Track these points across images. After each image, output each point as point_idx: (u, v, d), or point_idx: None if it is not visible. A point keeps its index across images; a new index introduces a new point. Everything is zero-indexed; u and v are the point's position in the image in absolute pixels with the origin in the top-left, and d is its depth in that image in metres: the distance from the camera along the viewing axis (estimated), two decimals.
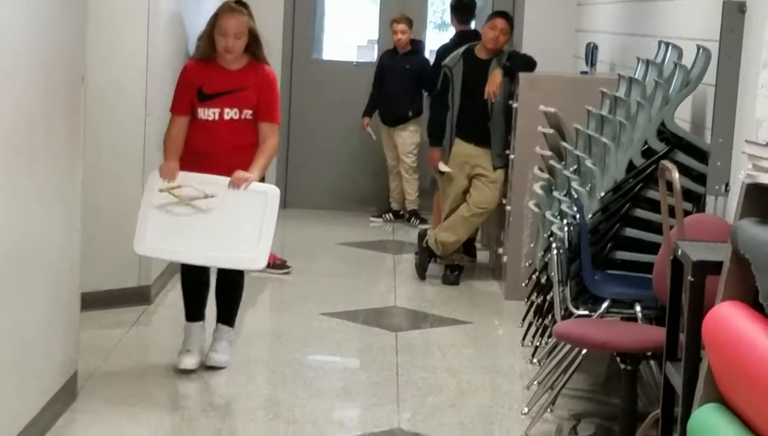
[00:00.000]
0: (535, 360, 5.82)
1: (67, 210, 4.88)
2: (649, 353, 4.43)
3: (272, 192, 5.34)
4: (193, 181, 5.25)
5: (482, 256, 8.31)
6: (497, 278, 7.72)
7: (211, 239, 5.18)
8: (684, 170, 4.88)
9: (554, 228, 5.35)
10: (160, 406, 5.08)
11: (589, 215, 5.11)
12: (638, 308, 4.80)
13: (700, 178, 4.99)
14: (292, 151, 9.99)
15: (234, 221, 5.20)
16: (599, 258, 5.08)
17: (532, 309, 6.14)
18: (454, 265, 7.74)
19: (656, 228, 4.93)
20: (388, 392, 5.40)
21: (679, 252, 3.67)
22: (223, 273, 5.50)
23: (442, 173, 7.65)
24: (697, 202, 5.02)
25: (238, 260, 5.27)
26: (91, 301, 5.84)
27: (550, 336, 5.68)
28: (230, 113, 5.32)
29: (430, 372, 5.84)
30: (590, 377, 5.55)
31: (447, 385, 5.69)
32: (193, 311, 5.51)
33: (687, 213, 4.61)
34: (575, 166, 5.68)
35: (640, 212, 5.11)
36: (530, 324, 6.17)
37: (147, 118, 6.45)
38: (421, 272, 7.76)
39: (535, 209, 6.07)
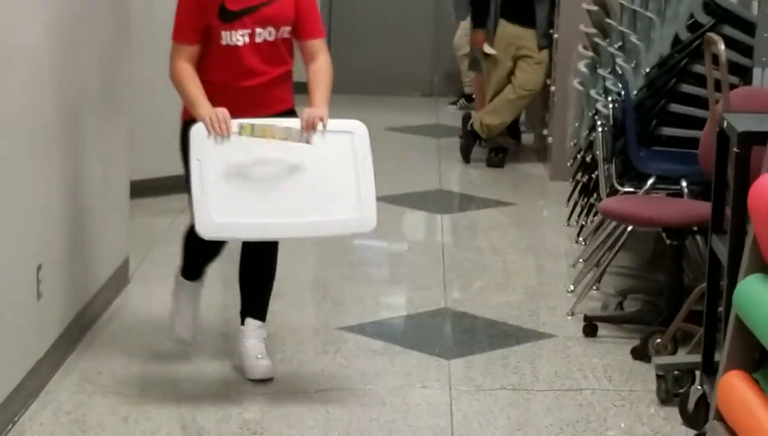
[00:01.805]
0: (580, 239, 5.83)
1: (114, 95, 4.91)
2: (695, 228, 4.43)
3: (359, 130, 4.01)
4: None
5: (527, 138, 8.28)
6: (542, 160, 7.70)
7: (298, 203, 3.91)
8: (731, 43, 4.81)
9: (599, 105, 5.31)
10: (211, 286, 5.16)
11: (635, 92, 5.06)
12: (684, 184, 4.78)
13: (748, 51, 4.91)
14: (335, 30, 9.89)
15: (321, 174, 3.94)
16: (645, 135, 5.04)
17: (578, 189, 6.13)
18: (499, 147, 7.73)
19: (703, 103, 4.87)
20: (435, 274, 5.44)
21: (725, 124, 3.64)
22: (249, 250, 4.20)
23: (487, 55, 7.59)
24: (744, 75, 4.95)
25: (343, 224, 3.98)
26: (138, 188, 5.89)
27: (595, 215, 5.69)
28: (263, 34, 4.00)
29: (476, 253, 5.87)
30: (636, 255, 5.55)
31: (493, 265, 5.72)
32: (196, 269, 4.34)
33: (734, 87, 4.55)
34: (620, 43, 5.61)
35: (686, 87, 5.05)
36: (575, 204, 6.17)
37: None
38: (466, 155, 7.76)
39: (580, 88, 6.02)
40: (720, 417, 3.36)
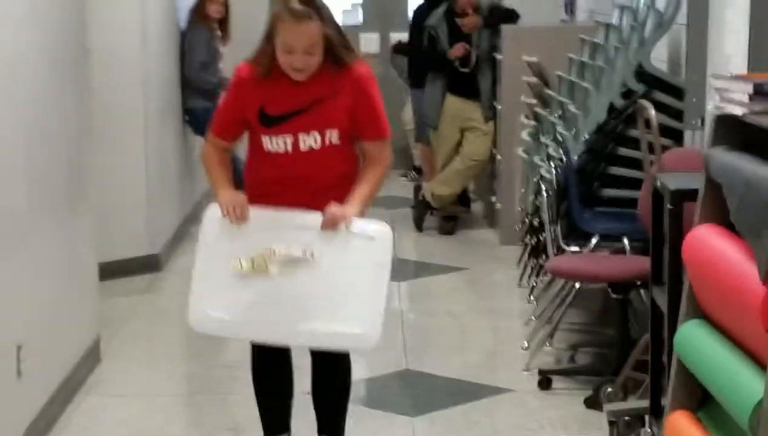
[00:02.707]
0: (532, 298, 6.10)
1: (80, 183, 5.13)
2: (638, 282, 4.70)
3: (382, 235, 3.68)
4: (268, 220, 3.69)
5: (476, 206, 8.58)
6: (492, 225, 8.00)
7: (301, 307, 3.61)
8: (663, 108, 5.14)
9: (543, 171, 5.61)
10: (181, 360, 5.35)
11: (575, 157, 5.36)
12: (626, 241, 5.07)
13: (679, 115, 5.25)
14: None
15: (331, 278, 3.62)
16: (587, 197, 5.34)
17: (527, 251, 6.41)
18: (450, 216, 8.02)
19: (639, 165, 5.18)
20: (395, 337, 5.67)
21: (659, 183, 3.93)
22: (321, 363, 3.90)
23: (436, 127, 7.89)
24: (676, 137, 5.27)
25: (342, 338, 3.63)
26: (103, 271, 6.08)
27: (545, 275, 5.96)
28: (308, 141, 3.70)
29: (433, 317, 6.12)
30: (585, 311, 5.82)
31: (450, 327, 5.96)
32: (274, 423, 3.94)
33: (667, 148, 4.86)
34: (560, 112, 5.94)
35: (623, 151, 5.36)
36: (525, 265, 6.44)
37: (144, 87, 6.70)
38: (419, 224, 8.05)
39: (524, 155, 6.33)
40: None
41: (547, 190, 5.38)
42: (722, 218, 3.42)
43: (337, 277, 3.61)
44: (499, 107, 7.59)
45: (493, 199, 7.88)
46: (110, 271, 6.31)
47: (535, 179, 5.93)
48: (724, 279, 3.27)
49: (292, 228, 3.65)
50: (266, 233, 3.63)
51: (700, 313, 3.51)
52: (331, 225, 3.63)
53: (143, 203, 6.70)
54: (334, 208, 3.65)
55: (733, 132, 3.52)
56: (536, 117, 6.36)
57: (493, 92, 7.74)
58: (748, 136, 3.44)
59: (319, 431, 3.97)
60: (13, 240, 4.13)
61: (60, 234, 4.79)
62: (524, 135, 6.37)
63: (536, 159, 5.95)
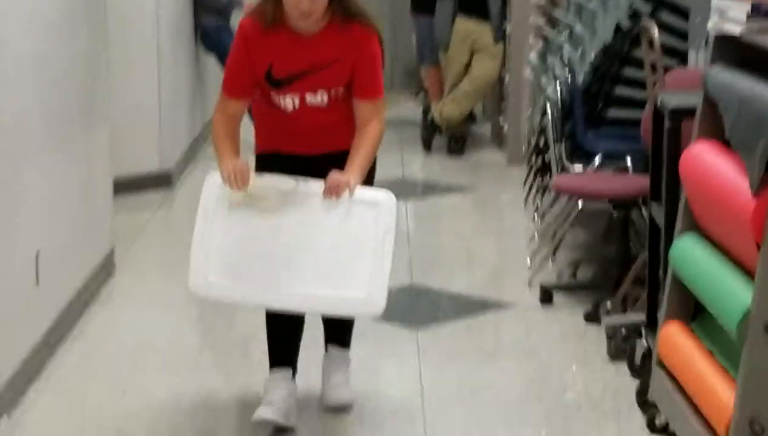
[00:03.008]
0: (536, 217, 6.20)
1: (95, 100, 5.23)
2: (639, 200, 4.80)
3: (386, 202, 3.68)
4: (271, 186, 3.68)
5: (485, 128, 8.66)
6: (499, 146, 8.08)
7: (305, 273, 3.59)
8: (669, 29, 5.20)
9: (549, 92, 5.68)
10: None
11: (581, 77, 5.43)
12: (628, 160, 5.16)
13: (685, 36, 5.30)
14: None
15: (335, 245, 3.62)
16: (591, 117, 5.42)
17: (533, 171, 6.50)
18: (458, 136, 8.11)
19: (644, 85, 5.25)
20: (401, 255, 5.78)
21: (659, 102, 4.01)
22: None
23: (447, 48, 7.96)
24: (682, 58, 5.33)
25: (346, 303, 3.63)
26: (116, 186, 6.20)
27: (550, 194, 6.06)
28: (315, 100, 3.72)
29: (440, 236, 6.24)
30: (588, 232, 5.93)
31: (455, 246, 6.08)
32: (280, 356, 3.90)
33: (671, 69, 4.93)
34: (567, 33, 5.99)
35: (628, 71, 5.43)
36: (531, 186, 6.54)
37: (156, 4, 6.77)
38: (427, 145, 8.13)
39: (532, 76, 6.40)
40: (661, 363, 3.74)
41: (552, 110, 5.46)
42: (719, 135, 3.51)
43: (341, 243, 3.60)
44: (509, 28, 7.64)
45: (501, 120, 7.95)
46: (123, 186, 6.42)
47: (541, 100, 6.01)
48: (717, 193, 3.37)
49: (293, 194, 3.64)
50: (268, 201, 3.64)
51: (695, 227, 3.62)
52: (334, 193, 3.62)
53: (156, 120, 6.80)
54: (336, 175, 3.63)
55: (731, 51, 3.60)
56: (544, 39, 6.41)
57: (503, 13, 7.79)
58: (746, 54, 3.52)
59: (326, 340, 4.04)
60: (31, 153, 4.24)
61: (76, 148, 4.89)
62: (532, 56, 6.43)
63: (543, 80, 6.02)
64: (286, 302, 3.62)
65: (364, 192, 3.65)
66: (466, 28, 7.87)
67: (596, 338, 4.58)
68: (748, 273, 3.20)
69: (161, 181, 6.90)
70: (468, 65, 7.95)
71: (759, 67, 3.37)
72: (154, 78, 6.75)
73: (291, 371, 3.87)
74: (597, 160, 5.24)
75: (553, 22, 6.37)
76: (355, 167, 3.67)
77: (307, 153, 3.78)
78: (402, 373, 4.35)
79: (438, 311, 5.07)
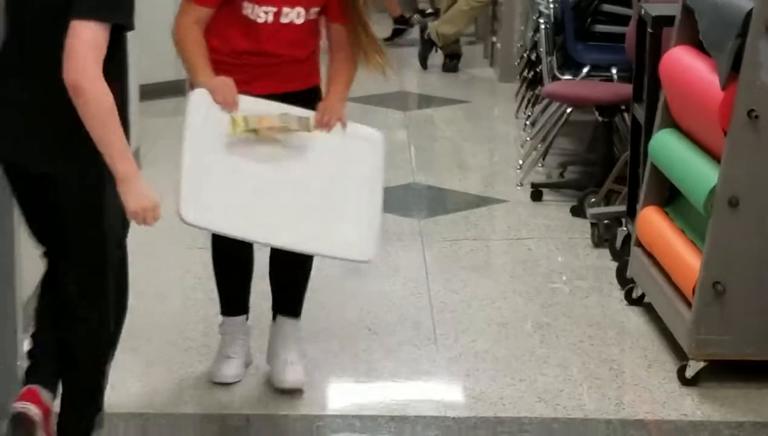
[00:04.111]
0: (528, 124, 6.69)
1: None
2: (623, 107, 5.29)
3: (376, 138, 3.48)
4: (259, 110, 3.34)
5: (478, 48, 9.12)
6: (492, 64, 8.55)
7: (296, 209, 3.32)
8: None
9: (542, 7, 6.15)
10: None
11: None
12: (614, 71, 5.65)
13: None
14: None
15: (327, 181, 3.36)
16: (581, 31, 5.90)
17: (524, 84, 6.98)
18: (454, 54, 8.56)
19: (629, 3, 5.72)
20: (403, 157, 6.28)
21: (642, 12, 4.49)
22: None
23: None
24: None
25: (335, 245, 3.36)
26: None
27: (540, 104, 6.54)
28: (290, 14, 3.42)
29: (438, 142, 6.74)
30: (576, 140, 6.42)
31: (452, 151, 6.58)
32: (233, 302, 3.72)
33: None
34: None
35: None
36: (523, 98, 7.02)
37: None
38: (423, 62, 8.60)
39: None
40: (639, 243, 4.26)
41: (545, 24, 5.94)
42: (694, 40, 4.00)
43: (333, 179, 3.36)
44: None
45: (494, 39, 8.41)
46: (145, 93, 6.85)
47: (534, 16, 6.46)
48: (691, 90, 3.88)
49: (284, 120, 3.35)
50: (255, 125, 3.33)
51: (672, 122, 4.12)
52: (325, 123, 3.39)
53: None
54: (327, 105, 3.41)
55: None
56: None
57: None
58: None
59: (275, 311, 3.70)
60: None
61: None
62: None
63: None
64: (275, 238, 3.33)
65: (355, 127, 3.45)
66: None
67: (581, 228, 5.10)
68: (716, 158, 3.71)
69: (176, 89, 7.33)
70: None
71: None
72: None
73: (245, 317, 3.72)
74: (585, 70, 5.72)
75: None
76: (340, 97, 3.45)
77: (265, 92, 3.41)
78: (407, 254, 4.85)
79: (437, 205, 5.58)
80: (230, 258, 3.67)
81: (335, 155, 3.37)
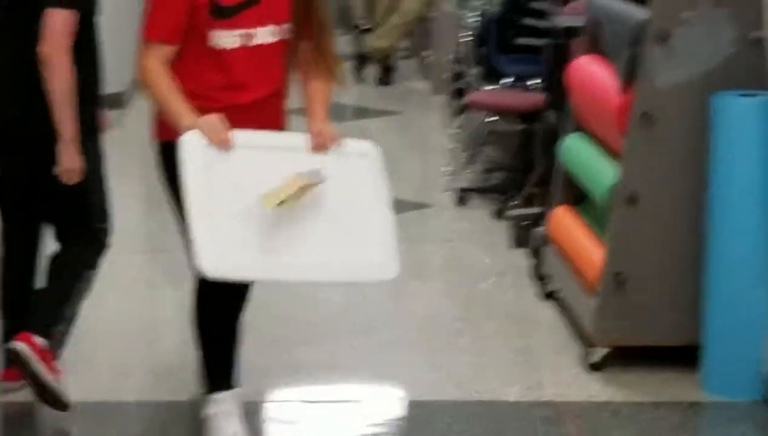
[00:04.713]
0: (456, 131, 6.94)
1: None
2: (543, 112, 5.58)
3: (373, 150, 3.35)
4: (253, 143, 3.16)
5: (413, 62, 9.41)
6: (425, 78, 8.83)
7: (313, 242, 3.12)
8: None
9: (468, 21, 6.45)
10: None
11: (496, 9, 6.20)
12: (533, 81, 5.94)
13: None
14: None
15: (336, 203, 3.17)
16: (504, 44, 6.19)
17: (452, 95, 7.26)
18: (388, 67, 8.84)
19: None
20: None
21: (554, 25, 4.79)
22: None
23: None
24: None
25: (365, 270, 3.21)
26: None
27: (467, 113, 6.83)
28: (261, 34, 3.24)
29: None
30: (499, 149, 6.69)
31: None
32: (225, 377, 3.42)
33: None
34: None
35: (535, 4, 6.18)
36: (452, 108, 7.30)
37: None
38: (359, 75, 8.86)
39: (454, 9, 7.15)
40: (551, 240, 4.53)
41: (472, 37, 6.24)
42: (599, 49, 4.29)
43: (343, 202, 3.17)
44: None
45: (427, 53, 8.70)
46: None
47: (462, 31, 6.76)
48: (594, 95, 4.18)
49: (280, 150, 3.17)
50: (256, 157, 3.12)
51: (579, 127, 4.41)
52: (321, 146, 3.19)
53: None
54: (316, 127, 3.23)
55: None
56: None
57: None
58: None
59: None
60: None
61: None
62: None
63: (465, 13, 6.77)
64: (305, 275, 3.16)
65: (348, 143, 3.28)
66: None
67: (503, 230, 5.37)
68: (617, 158, 3.99)
69: (113, 102, 7.53)
70: (398, 0, 8.68)
71: None
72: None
73: (239, 390, 3.41)
74: (507, 81, 6.01)
75: None
76: (327, 116, 3.27)
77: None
78: None
79: None
80: (221, 316, 3.31)
81: (339, 178, 3.16)
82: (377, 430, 3.62)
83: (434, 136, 7.34)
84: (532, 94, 5.78)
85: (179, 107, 3.15)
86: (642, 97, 3.80)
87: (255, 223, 3.05)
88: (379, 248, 3.17)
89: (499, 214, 5.56)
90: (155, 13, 3.22)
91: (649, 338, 3.95)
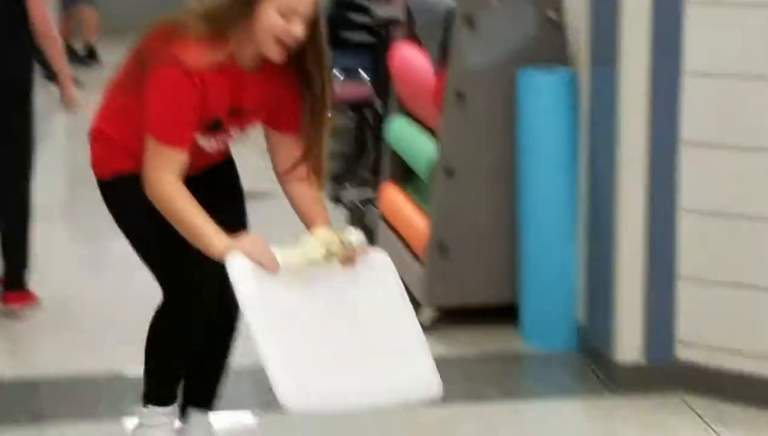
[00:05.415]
0: None
1: None
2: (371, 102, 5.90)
3: (387, 263, 3.11)
4: (292, 257, 2.94)
5: None
6: None
7: (364, 366, 2.96)
8: None
9: None
10: None
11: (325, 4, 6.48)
12: (362, 73, 6.25)
13: None
14: None
15: (372, 319, 3.03)
16: (332, 38, 6.45)
17: None
18: None
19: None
20: None
21: (377, 17, 5.11)
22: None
23: None
24: None
25: (415, 390, 3.01)
26: None
27: None
28: (239, 136, 3.14)
29: None
30: (336, 141, 6.95)
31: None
32: (173, 385, 3.25)
33: None
34: None
35: (362, 0, 6.51)
36: None
37: None
38: None
39: None
40: (383, 218, 4.84)
41: None
42: (414, 37, 4.62)
43: (377, 316, 3.02)
44: None
45: None
46: None
47: None
48: (412, 78, 4.51)
49: (316, 265, 2.94)
50: (301, 272, 2.93)
51: (402, 109, 4.73)
52: (351, 260, 2.97)
53: None
54: (347, 238, 3.00)
55: None
56: None
57: None
58: None
59: (187, 403, 3.30)
60: None
61: None
62: None
63: None
64: (373, 400, 2.96)
65: (370, 255, 3.05)
66: None
67: (341, 214, 5.65)
68: (435, 135, 4.32)
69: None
70: None
71: None
72: None
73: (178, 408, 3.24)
74: (338, 75, 6.30)
75: None
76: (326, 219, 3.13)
77: (192, 173, 3.00)
78: None
79: None
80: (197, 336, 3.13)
81: (365, 289, 3.01)
82: None
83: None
84: (361, 86, 6.09)
85: (207, 227, 2.87)
86: (454, 78, 4.12)
87: (316, 347, 2.90)
88: (423, 365, 3.00)
89: (337, 199, 5.84)
90: (168, 115, 2.90)
91: (472, 300, 4.29)
